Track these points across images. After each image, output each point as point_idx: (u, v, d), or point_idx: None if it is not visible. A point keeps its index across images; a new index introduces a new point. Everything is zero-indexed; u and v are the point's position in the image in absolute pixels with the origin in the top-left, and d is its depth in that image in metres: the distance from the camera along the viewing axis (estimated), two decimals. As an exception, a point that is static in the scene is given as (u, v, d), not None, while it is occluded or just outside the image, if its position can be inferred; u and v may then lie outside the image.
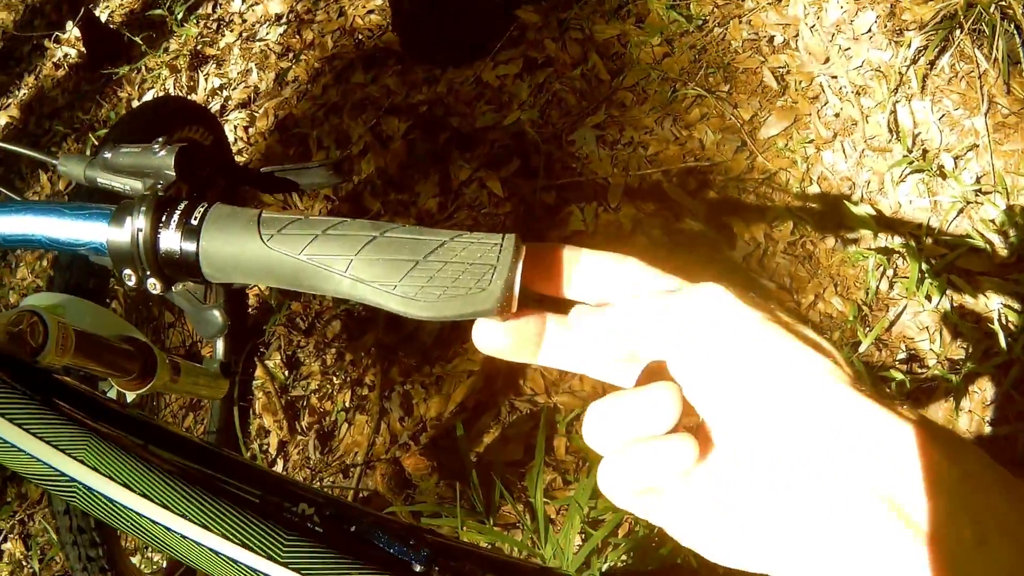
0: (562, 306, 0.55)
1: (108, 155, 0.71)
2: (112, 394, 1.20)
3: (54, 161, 0.80)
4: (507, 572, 0.82)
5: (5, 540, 2.40)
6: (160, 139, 0.71)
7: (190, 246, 0.62)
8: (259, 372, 2.31)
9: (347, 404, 2.20)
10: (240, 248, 0.60)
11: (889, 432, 0.40)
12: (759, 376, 0.44)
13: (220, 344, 2.20)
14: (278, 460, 2.20)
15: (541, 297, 0.56)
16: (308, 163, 0.80)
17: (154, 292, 0.65)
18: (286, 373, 2.30)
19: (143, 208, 0.63)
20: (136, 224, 0.63)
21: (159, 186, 0.68)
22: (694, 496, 0.47)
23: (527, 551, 1.83)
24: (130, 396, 1.18)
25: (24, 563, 2.35)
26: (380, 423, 2.13)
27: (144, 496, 0.61)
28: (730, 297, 0.47)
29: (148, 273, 0.64)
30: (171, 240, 0.62)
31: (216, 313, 0.69)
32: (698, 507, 0.47)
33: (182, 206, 0.63)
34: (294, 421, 2.24)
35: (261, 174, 0.80)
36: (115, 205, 0.66)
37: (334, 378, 2.25)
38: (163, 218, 0.63)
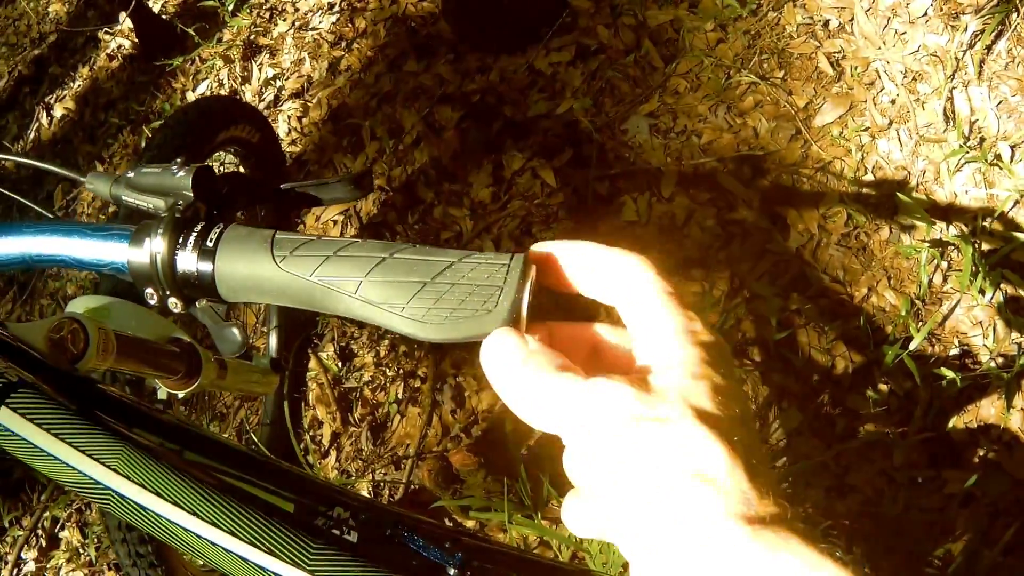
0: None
1: (131, 175, 0.74)
2: (162, 394, 1.22)
3: (82, 179, 0.82)
4: (546, 574, 0.83)
5: (63, 528, 2.45)
6: (179, 160, 0.73)
7: (206, 267, 0.64)
8: (313, 364, 2.33)
9: (399, 396, 2.22)
10: (253, 269, 0.62)
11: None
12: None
13: (273, 339, 2.23)
14: (331, 451, 2.22)
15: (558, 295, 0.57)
16: (328, 178, 0.81)
17: (175, 311, 0.68)
18: (339, 365, 2.33)
19: (160, 230, 0.65)
20: (154, 246, 0.65)
21: (178, 206, 0.69)
22: None
23: (575, 547, 1.84)
24: (181, 394, 1.20)
25: (81, 551, 2.39)
26: (432, 415, 2.15)
27: (175, 504, 0.63)
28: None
29: (168, 293, 0.67)
30: (188, 261, 0.64)
31: (235, 331, 0.71)
32: None
33: (198, 228, 0.65)
34: (347, 412, 2.26)
35: (281, 191, 0.82)
36: (135, 226, 0.68)
37: (387, 370, 2.27)
38: (180, 240, 0.65)
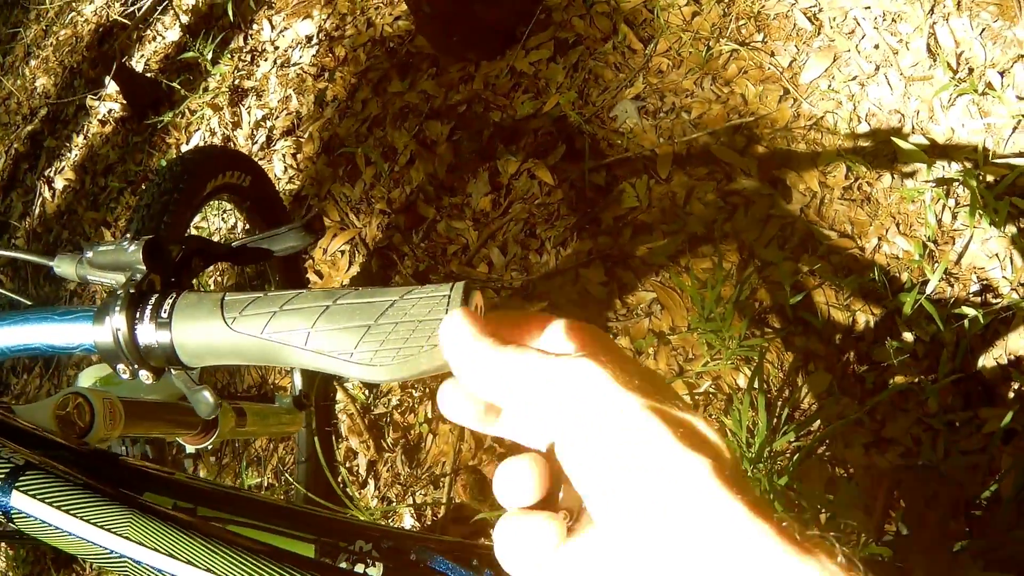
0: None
1: (90, 254, 0.74)
2: (190, 448, 1.23)
3: (50, 263, 0.83)
4: None
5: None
6: (128, 235, 0.73)
7: (165, 338, 0.64)
8: (340, 395, 2.34)
9: (429, 415, 2.22)
10: (208, 334, 0.62)
11: (750, 546, 0.40)
12: (635, 471, 0.43)
13: (296, 377, 2.24)
14: (368, 480, 2.22)
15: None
16: (278, 229, 0.82)
17: (148, 383, 0.68)
18: (366, 393, 2.33)
19: (117, 307, 0.66)
20: (115, 323, 0.66)
21: (134, 280, 0.70)
22: (568, 569, 0.47)
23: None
24: (205, 445, 1.21)
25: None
26: (463, 430, 2.15)
27: (189, 563, 0.63)
28: (606, 377, 0.46)
29: (136, 367, 0.67)
30: (147, 334, 0.65)
31: (207, 394, 0.71)
32: None
33: (153, 300, 0.66)
34: (380, 439, 2.27)
35: (234, 249, 0.82)
36: (97, 307, 0.69)
37: (414, 391, 2.27)
38: (137, 314, 0.66)
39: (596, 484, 0.44)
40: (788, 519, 0.42)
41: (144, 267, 0.71)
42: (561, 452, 0.46)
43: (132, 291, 0.67)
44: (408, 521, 2.11)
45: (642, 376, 0.48)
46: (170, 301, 0.65)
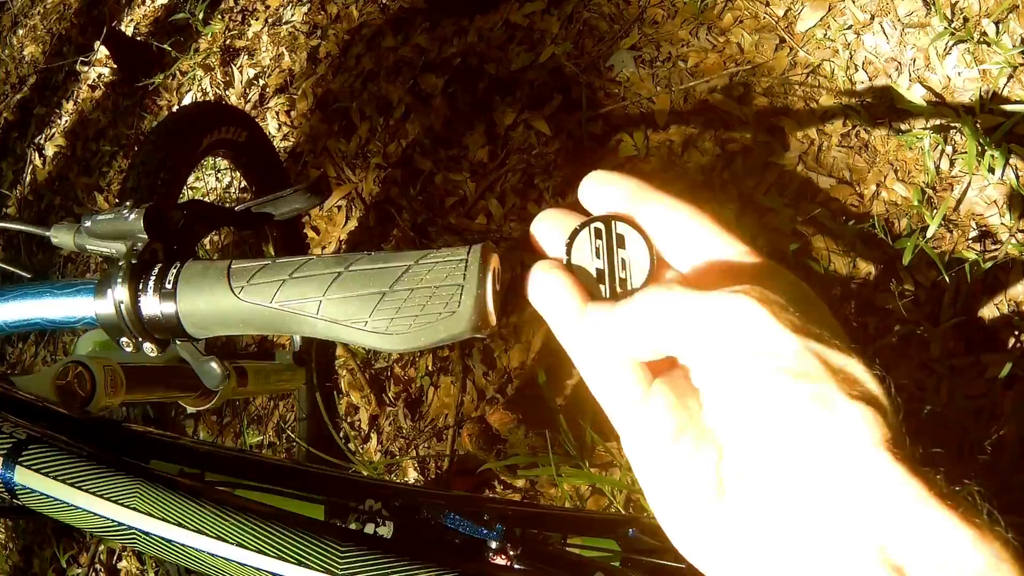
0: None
1: (88, 223, 0.72)
2: (190, 409, 1.22)
3: (47, 233, 0.81)
4: (589, 528, 0.82)
5: (120, 559, 2.46)
6: (128, 202, 0.71)
7: (170, 309, 0.63)
8: (339, 351, 2.33)
9: (430, 368, 2.21)
10: (215, 304, 0.61)
11: (914, 509, 0.37)
12: (789, 416, 0.40)
13: (297, 335, 2.23)
14: (371, 435, 2.22)
15: None
16: (283, 192, 0.80)
17: (153, 356, 0.67)
18: (366, 348, 2.32)
19: (119, 278, 0.65)
20: (117, 295, 0.64)
21: (136, 249, 0.68)
22: (695, 506, 0.44)
23: (627, 489, 1.83)
24: (207, 407, 1.20)
25: (141, 579, 2.41)
26: (465, 381, 2.15)
27: (199, 531, 0.63)
28: (765, 315, 0.42)
29: (140, 339, 0.66)
30: (151, 306, 0.63)
31: (214, 365, 0.70)
32: (700, 518, 0.44)
33: (156, 270, 0.64)
34: (381, 394, 2.26)
35: (237, 213, 0.80)
36: (98, 278, 0.68)
37: (414, 343, 2.26)
38: (140, 286, 0.64)
39: (741, 424, 0.42)
40: (941, 479, 0.39)
41: (146, 236, 0.69)
42: (704, 385, 0.44)
43: (134, 262, 0.66)
44: (412, 475, 2.11)
45: (804, 308, 0.44)
46: (174, 271, 0.64)
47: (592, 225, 0.51)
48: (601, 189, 0.53)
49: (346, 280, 0.56)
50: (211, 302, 0.61)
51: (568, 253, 0.50)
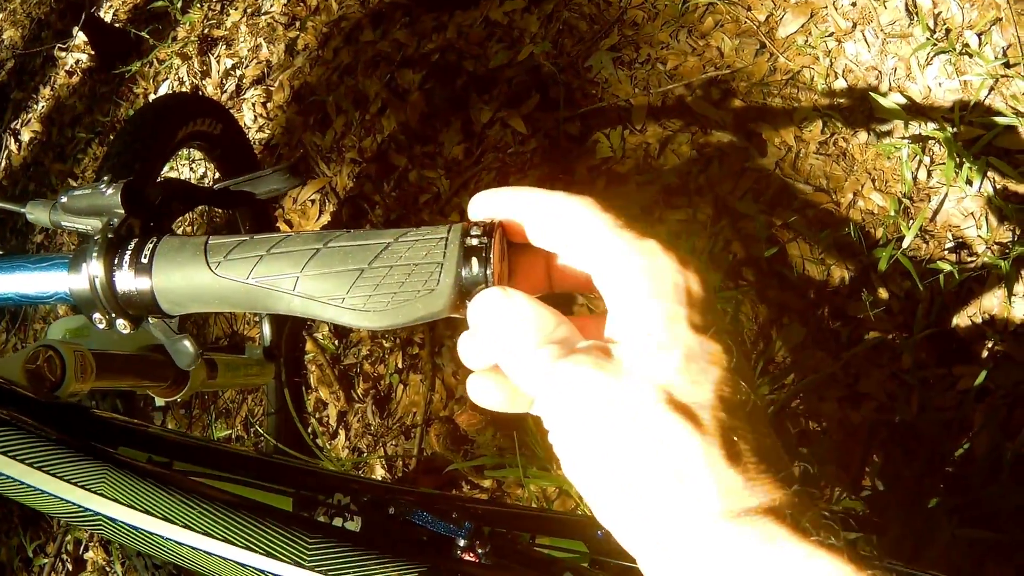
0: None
1: (64, 199, 0.71)
2: (160, 401, 1.21)
3: (22, 210, 0.79)
4: (557, 529, 0.82)
5: (87, 549, 2.43)
6: (106, 177, 0.70)
7: (144, 284, 0.62)
8: (309, 346, 2.31)
9: (400, 365, 2.20)
10: (191, 280, 0.60)
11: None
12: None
13: (266, 327, 2.21)
14: (339, 431, 2.20)
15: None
16: (262, 171, 0.79)
17: (125, 332, 0.66)
18: (336, 343, 2.30)
19: (95, 253, 0.63)
20: (91, 269, 0.63)
21: (112, 224, 0.67)
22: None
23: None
24: (176, 399, 1.18)
25: (108, 569, 2.38)
26: (434, 380, 2.13)
27: (166, 519, 0.62)
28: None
29: (114, 315, 0.65)
30: (126, 281, 0.62)
31: (187, 344, 0.69)
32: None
33: (132, 245, 0.63)
34: (350, 390, 2.25)
35: (216, 192, 0.80)
36: (72, 253, 0.67)
37: (384, 342, 2.25)
38: (115, 260, 0.63)
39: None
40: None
41: (123, 211, 0.68)
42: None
43: (110, 236, 0.65)
44: (379, 472, 2.09)
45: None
46: (150, 246, 0.63)
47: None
48: (487, 203, 0.54)
49: (324, 257, 0.55)
50: (187, 277, 0.60)
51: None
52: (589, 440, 0.44)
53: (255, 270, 0.57)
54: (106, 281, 0.63)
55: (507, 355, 0.49)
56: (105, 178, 0.71)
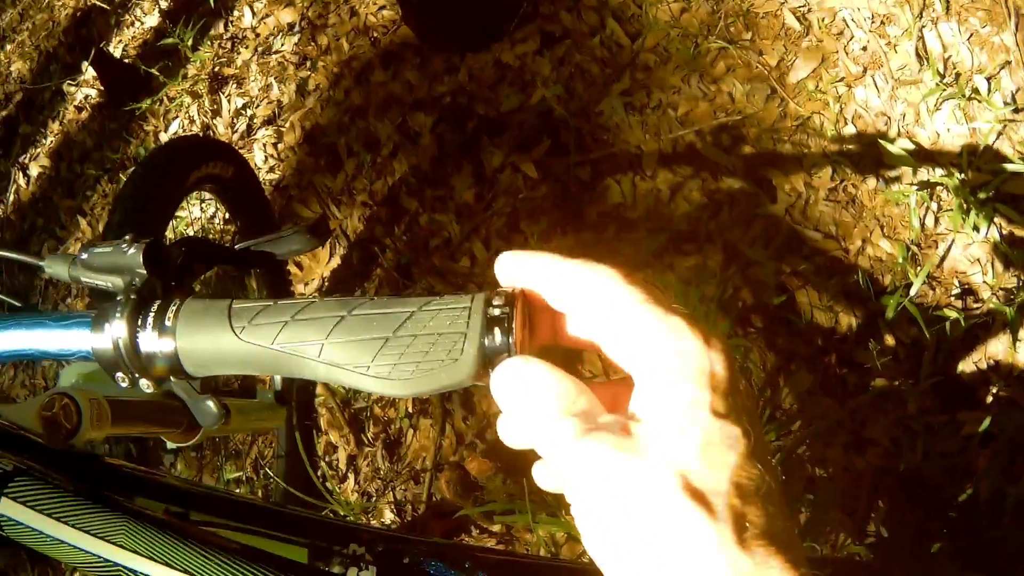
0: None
1: (85, 256, 0.72)
2: (171, 444, 1.21)
3: (40, 263, 0.80)
4: None
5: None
6: (128, 236, 0.71)
7: (168, 346, 0.62)
8: (320, 389, 2.31)
9: (410, 410, 2.20)
10: (215, 344, 0.60)
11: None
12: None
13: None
14: (348, 474, 2.21)
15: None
16: (283, 232, 0.80)
17: (148, 392, 0.66)
18: (347, 388, 2.31)
19: (119, 314, 0.63)
20: (115, 331, 0.63)
21: (134, 284, 0.68)
22: None
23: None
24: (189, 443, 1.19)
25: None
26: (444, 425, 2.13)
27: (185, 572, 0.63)
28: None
29: (137, 376, 0.65)
30: (150, 343, 0.62)
31: (211, 403, 0.70)
32: None
33: (155, 307, 0.63)
34: (360, 434, 2.25)
35: (237, 252, 0.80)
36: (94, 311, 0.67)
37: (394, 385, 2.25)
38: (139, 321, 0.63)
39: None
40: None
41: (144, 271, 0.68)
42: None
43: (133, 296, 0.65)
44: (388, 516, 2.10)
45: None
46: (174, 308, 0.63)
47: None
48: (512, 267, 0.56)
49: (349, 324, 0.55)
50: (211, 341, 0.60)
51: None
52: (608, 518, 0.45)
53: (280, 336, 0.57)
54: (129, 342, 0.63)
55: (530, 426, 0.50)
56: (127, 237, 0.71)
